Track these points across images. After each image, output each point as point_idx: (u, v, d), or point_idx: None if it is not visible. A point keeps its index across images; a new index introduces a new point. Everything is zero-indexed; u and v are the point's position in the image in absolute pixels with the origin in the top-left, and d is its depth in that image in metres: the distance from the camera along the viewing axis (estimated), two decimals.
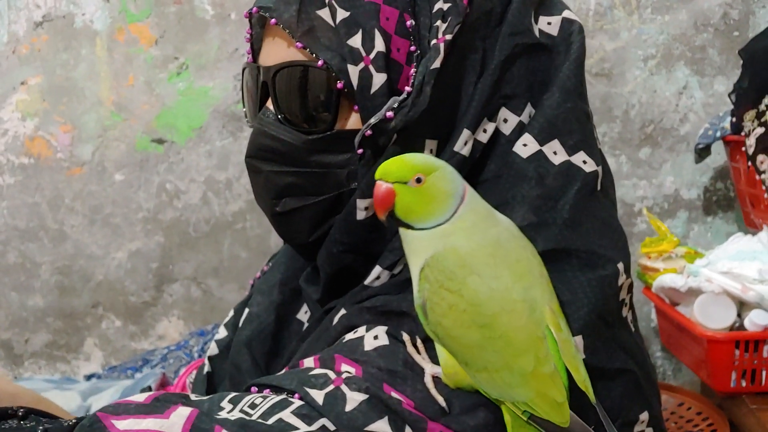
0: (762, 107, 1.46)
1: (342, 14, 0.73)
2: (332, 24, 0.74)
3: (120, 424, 0.59)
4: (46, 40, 1.86)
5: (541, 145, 0.74)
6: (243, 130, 1.87)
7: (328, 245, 0.77)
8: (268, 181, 0.79)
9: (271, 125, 0.78)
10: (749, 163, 1.49)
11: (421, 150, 0.73)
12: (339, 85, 0.73)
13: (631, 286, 0.75)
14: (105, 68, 1.87)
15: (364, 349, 0.67)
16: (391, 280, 0.74)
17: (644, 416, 0.72)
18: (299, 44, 0.75)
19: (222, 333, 0.99)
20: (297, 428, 0.61)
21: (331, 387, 0.64)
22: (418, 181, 0.62)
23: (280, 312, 0.90)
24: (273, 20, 0.75)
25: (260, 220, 1.89)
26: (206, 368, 0.96)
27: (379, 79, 0.72)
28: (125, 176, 1.90)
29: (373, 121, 0.72)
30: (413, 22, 0.74)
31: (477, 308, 0.60)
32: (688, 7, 1.83)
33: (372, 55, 0.72)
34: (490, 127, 0.75)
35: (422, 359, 0.65)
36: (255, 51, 0.84)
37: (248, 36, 0.83)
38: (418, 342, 0.67)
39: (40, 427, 0.61)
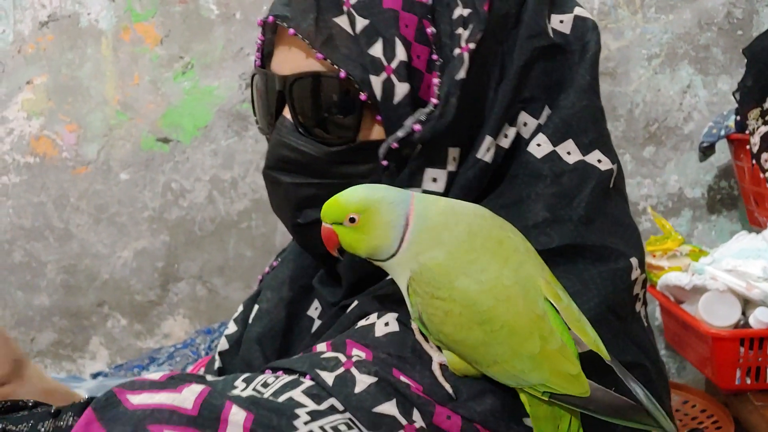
0: (766, 105, 1.46)
1: (361, 22, 0.72)
2: (351, 32, 0.72)
3: (134, 398, 0.60)
4: (51, 40, 1.87)
5: (555, 145, 0.74)
6: (248, 129, 1.88)
7: (351, 255, 0.76)
8: (288, 193, 0.78)
9: (291, 136, 0.76)
10: (753, 162, 1.49)
11: (444, 158, 0.73)
12: (362, 96, 0.72)
13: (645, 282, 0.75)
14: (110, 67, 1.88)
15: (374, 335, 0.67)
16: None
17: None
18: (320, 55, 0.73)
19: (232, 328, 0.99)
20: (306, 406, 0.62)
21: (342, 369, 0.65)
22: (352, 221, 0.63)
23: (291, 309, 0.90)
24: (291, 30, 0.74)
25: (265, 219, 1.90)
26: (217, 364, 0.96)
27: (401, 89, 0.72)
28: (130, 175, 1.90)
29: (400, 134, 0.72)
30: (434, 30, 0.73)
31: (472, 308, 0.60)
32: (692, 6, 1.83)
33: (394, 65, 0.71)
34: (511, 131, 0.75)
35: (430, 347, 0.66)
36: (264, 56, 0.83)
37: (259, 42, 0.81)
38: (418, 335, 0.67)
39: (52, 407, 0.63)
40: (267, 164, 0.79)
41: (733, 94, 1.58)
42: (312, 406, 0.62)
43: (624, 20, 1.83)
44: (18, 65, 1.87)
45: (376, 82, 0.72)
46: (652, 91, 1.86)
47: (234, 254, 1.92)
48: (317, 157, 0.75)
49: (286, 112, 0.78)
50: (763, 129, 1.45)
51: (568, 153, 0.74)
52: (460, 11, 0.73)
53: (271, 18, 0.77)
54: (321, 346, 0.69)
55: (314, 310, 0.88)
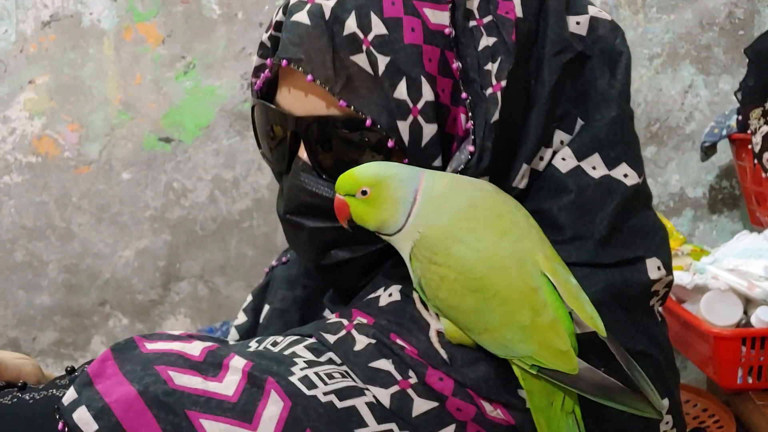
0: None
1: (383, 61, 0.69)
2: (370, 72, 0.69)
3: (150, 345, 0.64)
4: (53, 40, 1.87)
5: (579, 160, 0.73)
6: (250, 129, 1.86)
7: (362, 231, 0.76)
8: (312, 237, 0.76)
9: (310, 181, 0.74)
10: (755, 161, 1.49)
11: None
12: (390, 143, 0.70)
13: (670, 283, 0.74)
14: (112, 67, 1.88)
15: (378, 305, 0.70)
16: None
17: (665, 403, 0.72)
18: (342, 103, 0.70)
19: (241, 318, 0.99)
20: (304, 357, 0.65)
21: (343, 332, 0.68)
22: (364, 193, 0.64)
23: (305, 310, 0.90)
24: (310, 77, 0.70)
25: (267, 219, 1.90)
26: None
27: (429, 131, 0.70)
28: (132, 175, 1.90)
29: None
30: (459, 65, 0.71)
31: (466, 274, 0.61)
32: (694, 6, 1.83)
33: (420, 105, 0.69)
34: (548, 153, 0.74)
35: (428, 315, 0.67)
36: (267, 85, 0.79)
37: (264, 76, 0.78)
38: (417, 304, 0.68)
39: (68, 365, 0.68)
40: (287, 209, 0.77)
41: (735, 93, 1.58)
42: (310, 357, 0.65)
43: (625, 20, 1.83)
44: (20, 65, 1.88)
45: (403, 126, 0.69)
46: (654, 90, 1.86)
47: (236, 254, 1.92)
48: None
49: (302, 153, 0.75)
50: (765, 129, 1.46)
51: (593, 168, 0.73)
52: (486, 41, 0.71)
53: (284, 62, 0.72)
54: (330, 315, 0.73)
55: (328, 311, 0.88)
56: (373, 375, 0.64)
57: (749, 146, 1.52)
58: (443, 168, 0.72)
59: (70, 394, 0.61)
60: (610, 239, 0.72)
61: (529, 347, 0.60)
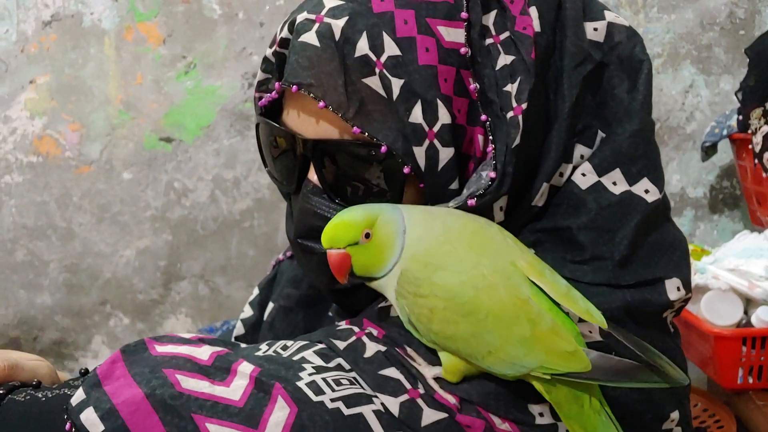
0: None
1: (396, 84, 0.66)
2: (384, 95, 0.67)
3: (159, 347, 0.64)
4: (54, 39, 1.87)
5: (600, 176, 0.70)
6: (250, 129, 1.88)
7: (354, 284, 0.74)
8: (324, 262, 0.72)
9: (322, 205, 0.72)
10: (756, 161, 1.49)
11: (491, 212, 0.69)
12: (406, 170, 0.68)
13: (687, 300, 0.72)
14: (113, 67, 1.88)
15: (389, 315, 0.68)
16: None
17: (675, 415, 0.70)
18: (356, 130, 0.67)
19: (248, 312, 0.98)
20: (313, 363, 0.64)
21: (354, 338, 0.67)
22: (367, 236, 0.62)
23: (309, 310, 0.89)
24: (322, 103, 0.68)
25: (268, 219, 1.90)
26: None
27: (446, 154, 0.67)
28: (133, 175, 1.90)
29: (452, 206, 0.67)
30: (477, 86, 0.68)
31: (454, 300, 0.60)
32: (694, 6, 1.83)
33: (436, 128, 0.66)
34: (568, 169, 0.71)
35: (419, 364, 0.65)
36: (272, 101, 0.77)
37: (270, 96, 0.75)
38: (409, 350, 0.66)
39: (81, 369, 0.69)
40: (298, 233, 0.75)
41: (736, 93, 1.58)
42: (320, 363, 0.65)
43: (626, 20, 1.83)
44: (21, 65, 1.88)
45: (420, 152, 0.67)
46: (655, 90, 1.84)
47: (236, 253, 1.92)
48: None
49: (312, 176, 0.73)
50: (766, 128, 1.46)
51: (614, 183, 0.70)
52: (504, 60, 0.68)
53: (294, 87, 0.69)
54: (341, 322, 0.71)
55: (333, 312, 0.88)
56: (382, 383, 0.63)
57: (750, 146, 1.52)
58: (460, 191, 0.70)
59: (78, 395, 0.61)
60: (630, 259, 0.69)
61: (537, 357, 0.59)
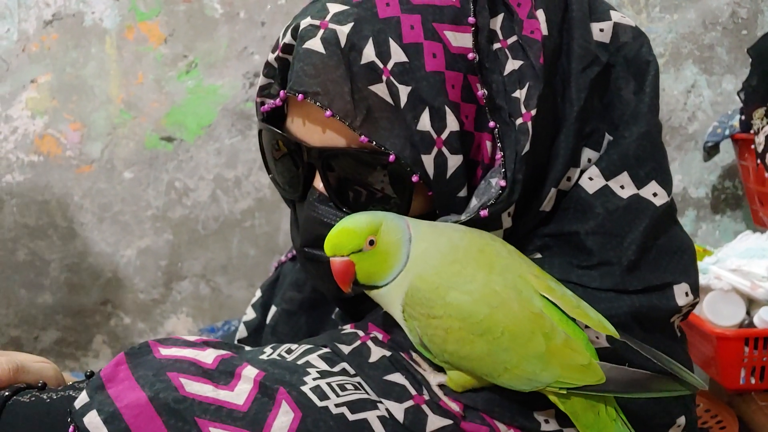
0: None
1: (404, 91, 0.65)
2: (391, 102, 0.66)
3: (164, 350, 0.64)
4: (55, 39, 1.87)
5: (608, 179, 0.69)
6: (252, 128, 1.88)
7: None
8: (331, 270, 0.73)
9: (328, 213, 0.71)
10: (758, 161, 1.49)
11: (500, 220, 0.68)
12: (414, 178, 0.67)
13: (694, 305, 0.72)
14: (114, 66, 1.88)
15: (395, 322, 0.67)
16: None
17: (681, 420, 0.70)
18: (364, 139, 0.66)
19: (250, 314, 0.97)
20: (318, 367, 0.64)
21: (358, 342, 0.66)
22: (371, 243, 0.61)
23: (312, 313, 0.89)
24: (328, 112, 0.67)
25: (269, 218, 1.90)
26: None
27: (454, 162, 0.67)
28: (134, 174, 1.90)
29: (464, 218, 0.67)
30: (485, 92, 0.67)
31: (469, 319, 0.59)
32: (697, 5, 1.83)
33: (444, 135, 0.65)
34: (575, 173, 0.71)
35: (424, 370, 0.65)
36: (275, 109, 0.75)
37: (274, 103, 0.74)
38: (414, 355, 0.66)
39: (88, 371, 0.68)
40: (304, 242, 0.74)
41: (738, 93, 1.58)
42: (324, 367, 0.64)
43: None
44: (22, 64, 1.87)
45: (428, 160, 0.66)
46: None
47: (237, 253, 1.92)
48: None
49: (318, 184, 0.72)
50: None
51: (622, 187, 0.69)
52: (512, 65, 0.67)
53: (300, 96, 0.68)
54: (346, 326, 0.71)
55: (336, 315, 0.87)
56: (387, 388, 0.63)
57: (752, 146, 1.51)
58: (468, 198, 0.69)
59: (82, 398, 0.61)
60: (638, 264, 0.69)
61: (553, 372, 0.59)
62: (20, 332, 1.95)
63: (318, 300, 0.88)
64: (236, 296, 1.92)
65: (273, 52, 0.73)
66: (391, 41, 0.65)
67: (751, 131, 1.51)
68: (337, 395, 0.62)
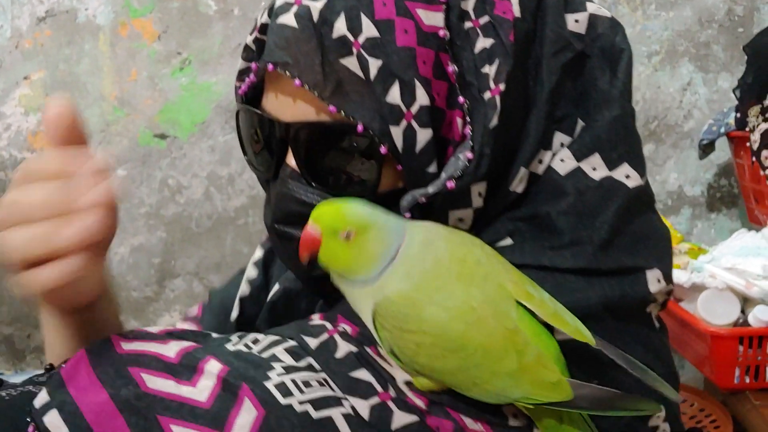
0: (767, 102, 1.45)
1: (374, 64, 0.65)
2: (361, 75, 0.66)
3: (126, 345, 0.62)
4: (49, 35, 1.86)
5: (579, 161, 0.70)
6: None
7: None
8: None
9: (299, 189, 0.71)
10: (753, 159, 1.48)
11: (469, 197, 0.68)
12: (382, 150, 0.67)
13: (669, 292, 0.71)
14: (108, 63, 1.87)
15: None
16: None
17: (661, 412, 0.70)
18: (332, 108, 0.67)
19: (252, 272, 0.96)
20: (283, 361, 0.63)
21: (326, 336, 0.65)
22: (347, 237, 0.60)
23: (315, 300, 0.88)
24: (297, 81, 0.67)
25: (262, 216, 1.89)
26: (235, 312, 0.95)
27: (423, 136, 0.66)
28: (127, 171, 1.90)
29: (431, 191, 0.67)
30: (455, 69, 0.67)
31: (443, 336, 0.58)
32: (693, 3, 1.82)
33: (414, 109, 0.66)
34: (547, 156, 0.70)
35: (391, 366, 0.64)
36: (253, 89, 0.75)
37: (249, 80, 0.74)
38: (382, 351, 0.64)
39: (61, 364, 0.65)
40: (275, 218, 0.74)
41: (734, 91, 1.57)
42: (290, 362, 0.63)
43: (624, 17, 1.82)
44: (15, 61, 1.87)
45: (397, 132, 0.66)
46: (652, 88, 1.85)
47: (231, 251, 1.91)
48: None
49: (290, 160, 0.72)
50: (764, 126, 1.45)
51: (594, 169, 0.70)
52: (483, 43, 0.68)
53: (270, 66, 0.69)
54: (315, 316, 0.70)
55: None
56: (353, 385, 0.62)
57: (747, 144, 1.51)
58: (438, 174, 0.69)
59: (42, 397, 0.60)
60: (611, 244, 0.68)
61: (522, 389, 0.58)
62: (13, 330, 1.94)
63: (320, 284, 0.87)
64: None
65: (251, 34, 0.74)
66: (363, 16, 0.66)
67: (747, 129, 1.51)
68: (302, 392, 0.61)
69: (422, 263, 0.61)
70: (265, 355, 0.64)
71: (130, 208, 1.90)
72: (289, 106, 0.71)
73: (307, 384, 0.62)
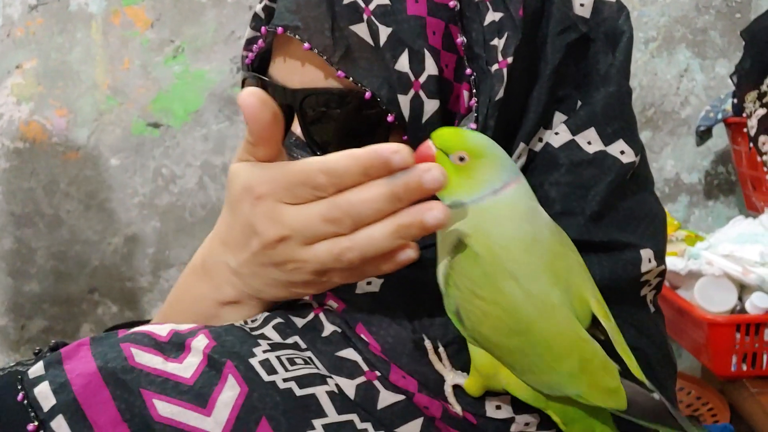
0: (764, 88, 1.44)
1: (384, 31, 0.65)
2: (371, 42, 0.66)
3: (127, 331, 0.63)
4: (41, 24, 1.85)
5: (574, 134, 0.69)
6: (239, 113, 1.85)
7: None
8: None
9: (303, 157, 0.68)
10: (751, 145, 1.47)
11: None
12: (390, 118, 0.66)
13: (662, 273, 0.71)
14: (100, 52, 1.86)
15: (353, 290, 0.66)
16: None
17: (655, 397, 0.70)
18: (340, 73, 0.66)
19: None
20: (270, 338, 0.63)
21: (311, 315, 0.65)
22: (461, 159, 0.58)
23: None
24: (307, 45, 0.66)
25: None
26: None
27: (431, 106, 0.67)
28: (121, 161, 1.88)
29: None
30: (464, 40, 0.67)
31: (513, 315, 0.57)
32: None
33: (422, 79, 0.66)
34: (546, 134, 0.70)
35: (443, 368, 0.62)
36: (259, 58, 0.75)
37: (257, 47, 0.74)
38: (441, 349, 0.63)
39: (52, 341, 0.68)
40: None
41: (731, 76, 1.56)
42: (277, 339, 0.63)
43: (621, 2, 1.81)
44: (7, 49, 1.85)
45: (404, 101, 0.66)
46: (649, 75, 1.83)
47: None
48: None
49: (296, 128, 0.72)
50: (761, 112, 1.44)
51: (589, 143, 0.69)
52: (492, 16, 0.68)
53: (280, 29, 0.68)
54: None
55: None
56: (339, 364, 0.62)
57: (744, 130, 1.50)
58: None
59: (36, 369, 0.60)
60: (603, 217, 0.68)
61: (578, 388, 0.57)
62: (7, 321, 1.93)
63: None
64: None
65: (260, 2, 0.74)
66: None
67: (744, 115, 1.50)
68: (286, 369, 0.60)
69: (521, 224, 0.58)
70: (255, 332, 0.63)
71: (123, 198, 1.89)
72: (296, 72, 0.70)
73: (291, 362, 0.61)
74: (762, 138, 1.43)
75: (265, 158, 0.61)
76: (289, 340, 0.63)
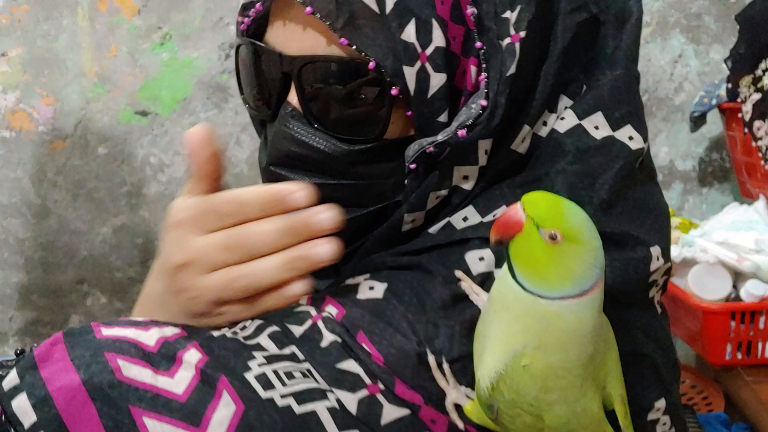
0: (758, 72, 1.43)
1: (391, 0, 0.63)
2: (377, 10, 0.63)
3: (105, 330, 0.59)
4: (26, 10, 1.82)
5: (581, 119, 0.67)
6: (228, 101, 1.84)
7: (362, 256, 0.70)
8: None
9: (300, 129, 0.67)
10: (745, 130, 1.46)
11: (476, 154, 0.64)
12: (393, 91, 0.64)
13: (668, 270, 0.68)
14: (87, 39, 1.83)
15: (355, 296, 0.63)
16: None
17: (660, 404, 0.67)
18: (343, 41, 0.63)
19: None
20: (266, 350, 0.60)
21: (309, 323, 0.62)
22: (552, 238, 0.51)
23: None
24: (309, 9, 0.63)
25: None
26: None
27: (437, 80, 0.64)
28: (108, 150, 1.86)
29: (440, 138, 0.63)
30: (475, 11, 0.64)
31: (556, 429, 0.55)
32: None
33: (429, 51, 0.63)
34: (551, 118, 0.68)
35: (446, 385, 0.60)
36: (255, 24, 0.72)
37: (255, 10, 0.71)
38: (445, 365, 0.60)
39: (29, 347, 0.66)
40: (270, 160, 0.69)
41: (725, 61, 1.55)
42: (273, 350, 0.60)
43: None
44: None
45: (410, 73, 0.63)
46: (643, 60, 1.81)
47: None
48: (334, 156, 0.66)
49: (292, 98, 0.68)
50: (755, 96, 1.42)
51: (596, 127, 0.67)
52: None
53: None
54: (302, 299, 0.66)
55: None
56: (339, 377, 0.59)
57: (739, 115, 1.49)
58: (449, 123, 0.66)
59: (11, 378, 0.57)
60: (613, 206, 0.65)
61: None
62: None
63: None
64: None
65: None
66: None
67: (738, 100, 1.49)
68: (284, 384, 0.57)
69: (586, 345, 0.53)
70: (249, 342, 0.60)
71: (111, 187, 1.87)
72: (296, 38, 0.67)
73: (289, 375, 0.58)
74: (756, 123, 1.41)
75: (204, 193, 0.62)
76: (286, 351, 0.60)
